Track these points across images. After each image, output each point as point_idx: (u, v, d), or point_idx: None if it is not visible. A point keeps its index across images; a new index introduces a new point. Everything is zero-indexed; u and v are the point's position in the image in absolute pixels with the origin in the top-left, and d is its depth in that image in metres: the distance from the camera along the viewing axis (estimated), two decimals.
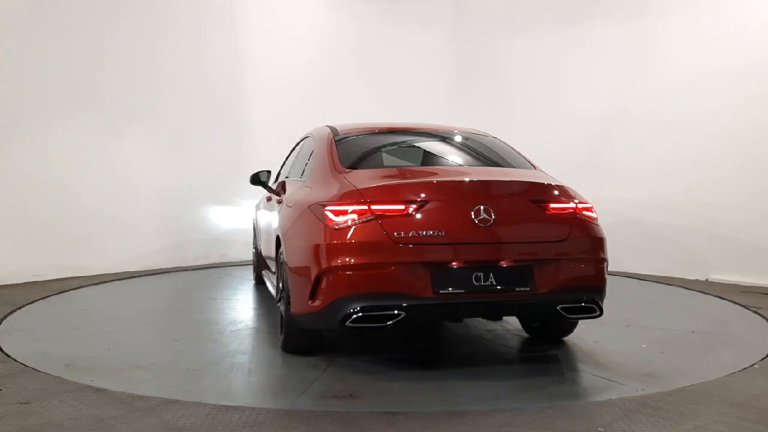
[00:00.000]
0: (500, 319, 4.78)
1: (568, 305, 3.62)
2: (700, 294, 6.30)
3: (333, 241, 3.48)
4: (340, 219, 3.50)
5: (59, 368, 3.74)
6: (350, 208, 3.50)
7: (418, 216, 3.47)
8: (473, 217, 3.48)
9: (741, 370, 3.74)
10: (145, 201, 7.85)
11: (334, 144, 4.29)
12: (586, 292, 3.70)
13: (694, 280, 7.08)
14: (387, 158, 4.50)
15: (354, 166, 4.07)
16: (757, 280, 6.71)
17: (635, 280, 7.24)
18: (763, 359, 3.96)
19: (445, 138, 4.76)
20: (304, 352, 4.05)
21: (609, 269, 3.90)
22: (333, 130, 4.56)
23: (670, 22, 7.63)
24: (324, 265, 3.48)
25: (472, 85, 9.60)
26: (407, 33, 9.71)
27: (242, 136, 8.71)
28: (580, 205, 3.77)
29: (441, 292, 3.42)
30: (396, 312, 3.40)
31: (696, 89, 7.32)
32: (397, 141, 4.76)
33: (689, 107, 7.37)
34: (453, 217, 3.51)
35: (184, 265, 8.07)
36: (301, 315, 3.74)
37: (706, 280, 7.08)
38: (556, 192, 3.81)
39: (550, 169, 8.98)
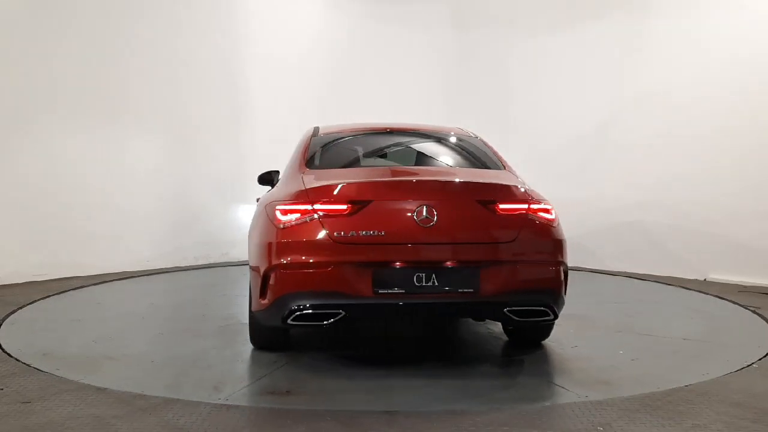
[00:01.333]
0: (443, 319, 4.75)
1: (517, 308, 3.56)
2: (700, 294, 6.32)
3: (278, 239, 3.54)
4: (287, 218, 3.55)
5: (38, 358, 3.90)
6: (296, 207, 3.55)
7: (360, 216, 3.48)
8: (415, 217, 3.47)
9: (740, 370, 3.75)
10: (145, 201, 7.85)
11: (308, 144, 4.40)
12: (537, 295, 3.63)
13: (692, 279, 7.10)
14: (354, 158, 4.54)
15: (318, 165, 4.15)
16: (756, 279, 6.73)
17: (635, 280, 7.25)
18: (761, 359, 3.97)
19: (422, 139, 4.79)
20: (272, 348, 4.13)
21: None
22: (315, 130, 4.67)
23: (669, 22, 7.65)
24: (270, 263, 3.55)
25: (471, 85, 9.61)
26: (407, 33, 9.72)
27: (243, 136, 8.72)
28: (533, 206, 3.67)
29: (381, 292, 3.42)
30: (336, 311, 3.45)
31: (696, 89, 7.33)
32: (373, 141, 4.79)
33: (688, 107, 7.39)
34: (394, 218, 3.51)
35: (184, 264, 8.08)
36: (257, 312, 3.80)
37: (705, 279, 7.10)
38: (505, 193, 3.73)
39: (548, 169, 8.98)
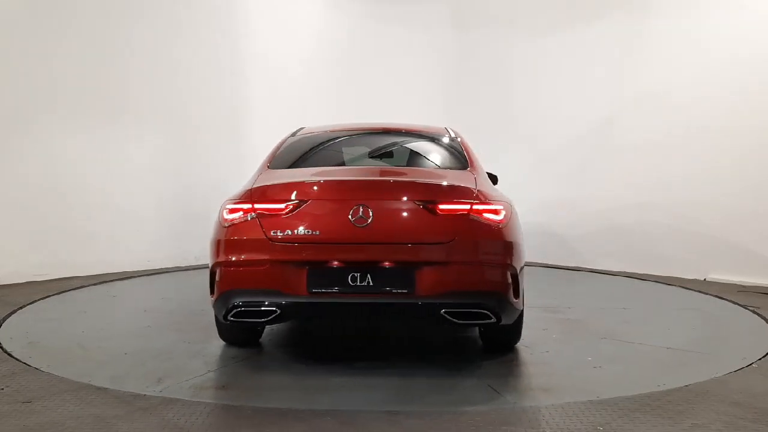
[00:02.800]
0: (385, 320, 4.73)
1: (455, 310, 3.48)
2: (700, 294, 6.32)
3: (223, 237, 3.66)
4: (231, 216, 3.68)
5: (25, 347, 4.15)
6: (239, 206, 3.67)
7: (296, 215, 3.52)
8: (350, 217, 3.47)
9: (739, 369, 3.75)
10: (145, 201, 7.86)
11: (281, 144, 4.53)
12: (477, 297, 3.52)
13: (692, 279, 7.10)
14: (318, 158, 4.55)
15: (280, 165, 4.25)
16: (756, 279, 6.73)
17: (635, 280, 7.26)
18: (761, 359, 3.98)
19: (397, 139, 4.80)
20: (239, 343, 4.24)
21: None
22: (297, 130, 4.79)
23: (669, 22, 7.65)
24: (216, 259, 3.69)
25: (471, 85, 9.62)
26: (407, 33, 9.73)
27: (242, 136, 8.73)
28: (477, 207, 3.56)
29: (314, 291, 3.44)
30: (271, 309, 3.49)
31: (696, 89, 7.33)
32: (346, 142, 4.80)
33: (688, 107, 7.39)
34: (329, 217, 3.53)
35: (184, 265, 8.08)
36: (213, 308, 3.84)
37: (705, 279, 7.10)
38: (446, 193, 3.67)
39: (548, 169, 8.91)
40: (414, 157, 4.64)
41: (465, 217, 3.55)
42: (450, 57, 9.80)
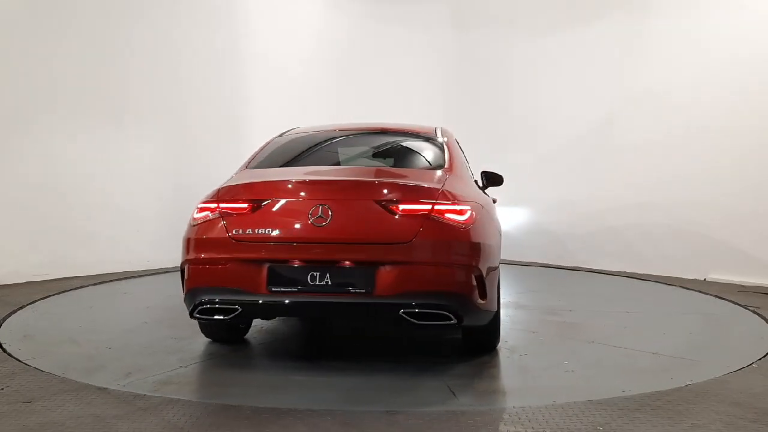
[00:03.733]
0: (344, 320, 4.72)
1: (414, 310, 3.42)
2: (700, 294, 6.33)
3: (191, 236, 3.74)
4: (199, 216, 3.75)
5: (19, 340, 4.29)
6: (206, 206, 3.74)
7: (257, 215, 3.57)
8: (309, 216, 3.48)
9: (739, 369, 3.75)
10: (145, 201, 7.87)
11: (265, 145, 4.59)
12: (436, 297, 3.46)
13: (692, 279, 7.10)
14: (295, 159, 4.54)
15: (257, 166, 4.30)
16: (756, 279, 6.74)
17: (635, 280, 7.26)
18: (761, 359, 3.98)
19: (381, 139, 4.80)
20: (220, 339, 4.33)
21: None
22: (287, 130, 4.87)
23: (669, 22, 7.66)
24: (185, 257, 3.78)
25: (471, 85, 9.62)
26: (407, 33, 9.74)
27: (242, 136, 8.73)
28: (438, 207, 3.51)
29: (274, 289, 3.47)
30: (233, 307, 3.54)
31: (696, 89, 7.34)
32: (330, 142, 4.78)
33: (688, 107, 7.40)
34: (289, 217, 3.55)
35: None
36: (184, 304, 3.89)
37: (705, 279, 7.10)
38: (407, 193, 3.60)
39: (548, 169, 8.89)
40: (392, 157, 4.60)
41: (425, 216, 3.50)
42: (450, 57, 9.81)
